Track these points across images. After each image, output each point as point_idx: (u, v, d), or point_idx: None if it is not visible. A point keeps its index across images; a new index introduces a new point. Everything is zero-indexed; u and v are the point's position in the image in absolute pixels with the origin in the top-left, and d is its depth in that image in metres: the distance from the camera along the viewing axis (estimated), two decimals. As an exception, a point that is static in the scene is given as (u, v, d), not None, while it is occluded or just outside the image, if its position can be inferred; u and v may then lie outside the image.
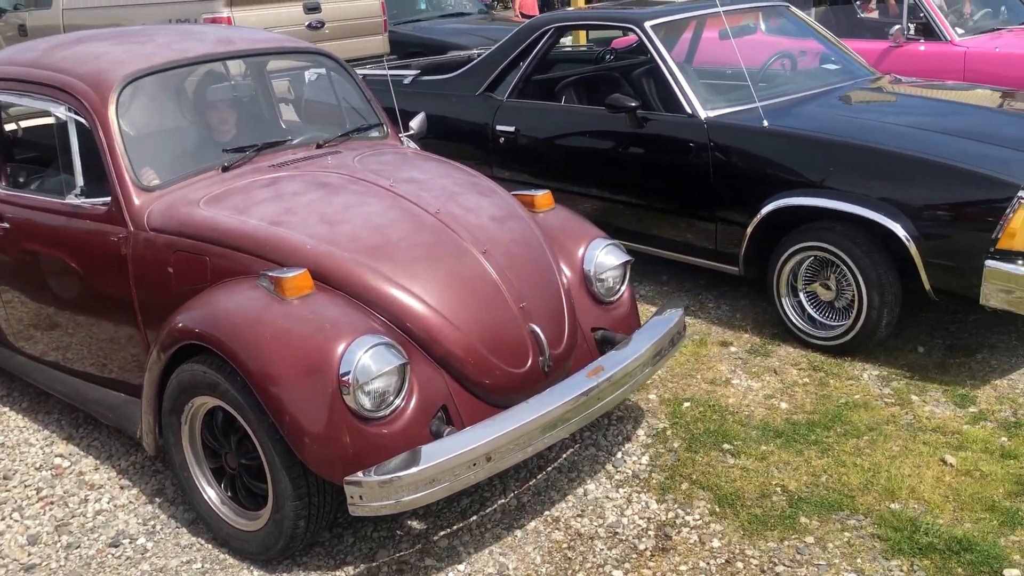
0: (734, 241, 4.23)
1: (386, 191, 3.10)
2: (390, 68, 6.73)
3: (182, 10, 8.08)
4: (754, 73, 5.20)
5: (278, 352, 2.55)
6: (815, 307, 4.07)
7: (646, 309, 4.57)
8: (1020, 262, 3.41)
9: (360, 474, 2.45)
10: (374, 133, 3.85)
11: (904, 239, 3.61)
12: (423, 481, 2.46)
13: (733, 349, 4.14)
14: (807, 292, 4.08)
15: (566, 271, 3.21)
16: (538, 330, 2.87)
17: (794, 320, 4.11)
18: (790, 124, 4.09)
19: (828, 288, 3.97)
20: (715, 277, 4.71)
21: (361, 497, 2.46)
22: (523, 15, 11.57)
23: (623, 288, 3.33)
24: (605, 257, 3.27)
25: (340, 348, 2.53)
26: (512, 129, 5.10)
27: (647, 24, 4.60)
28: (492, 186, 3.37)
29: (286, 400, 2.52)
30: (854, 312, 3.86)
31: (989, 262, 3.44)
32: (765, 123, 4.09)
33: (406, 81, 5.83)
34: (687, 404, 3.66)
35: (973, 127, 4.00)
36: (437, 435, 2.62)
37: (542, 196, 3.43)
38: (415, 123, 4.05)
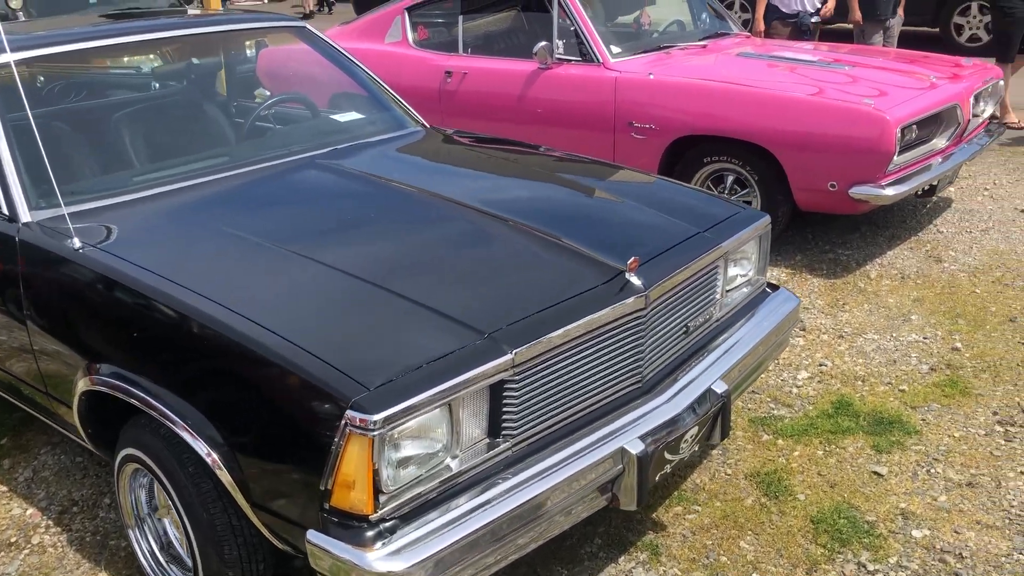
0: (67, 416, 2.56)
1: None
2: None
3: None
4: (240, 126, 3.56)
5: None
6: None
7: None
8: (372, 533, 1.85)
9: None
10: None
11: (211, 463, 2.02)
12: None
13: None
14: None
15: None
16: None
17: (144, 565, 2.49)
18: (107, 245, 2.41)
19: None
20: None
21: None
22: None
23: None
24: None
25: None
26: None
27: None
28: None
29: None
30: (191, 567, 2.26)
31: (312, 534, 1.88)
32: (76, 243, 2.39)
33: None
34: None
35: (422, 255, 2.40)
36: None
37: None
38: None
